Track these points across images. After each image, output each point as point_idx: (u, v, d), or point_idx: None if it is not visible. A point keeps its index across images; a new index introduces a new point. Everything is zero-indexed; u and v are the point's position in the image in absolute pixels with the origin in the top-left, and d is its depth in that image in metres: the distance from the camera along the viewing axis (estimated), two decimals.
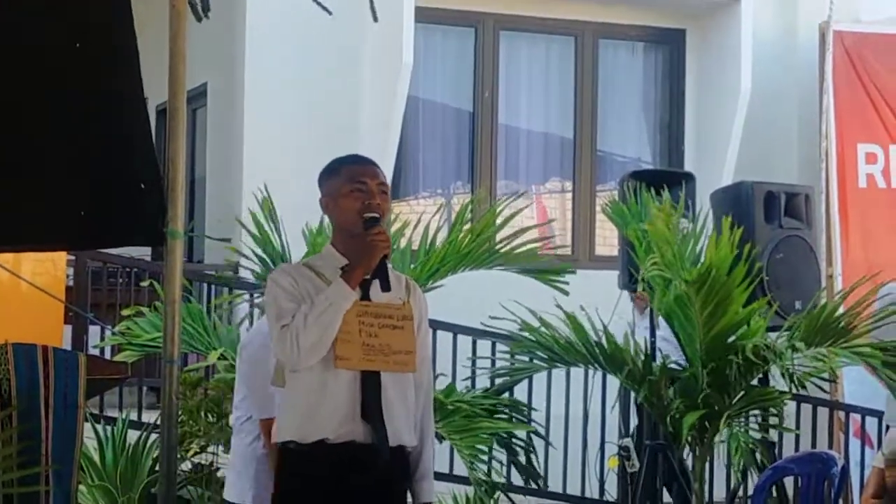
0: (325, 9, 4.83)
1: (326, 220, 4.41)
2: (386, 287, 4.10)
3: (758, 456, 6.85)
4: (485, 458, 6.43)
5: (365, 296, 4.10)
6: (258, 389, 4.83)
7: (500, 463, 6.63)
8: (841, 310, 6.64)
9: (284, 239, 6.50)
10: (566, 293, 6.56)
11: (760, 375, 6.68)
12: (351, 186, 4.12)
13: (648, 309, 7.87)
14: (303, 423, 4.06)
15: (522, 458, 6.67)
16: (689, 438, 6.42)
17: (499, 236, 6.73)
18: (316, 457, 4.03)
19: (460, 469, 7.65)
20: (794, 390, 6.59)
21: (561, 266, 6.62)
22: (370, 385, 4.05)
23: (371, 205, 4.09)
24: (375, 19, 5.07)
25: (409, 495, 4.28)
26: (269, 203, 6.51)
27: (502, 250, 6.65)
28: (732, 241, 6.33)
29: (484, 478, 6.34)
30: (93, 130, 4.76)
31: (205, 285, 9.02)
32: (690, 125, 11.24)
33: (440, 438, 6.62)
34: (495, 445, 6.57)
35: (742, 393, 6.45)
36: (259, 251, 6.50)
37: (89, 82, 4.75)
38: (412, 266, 6.49)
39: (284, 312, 4.05)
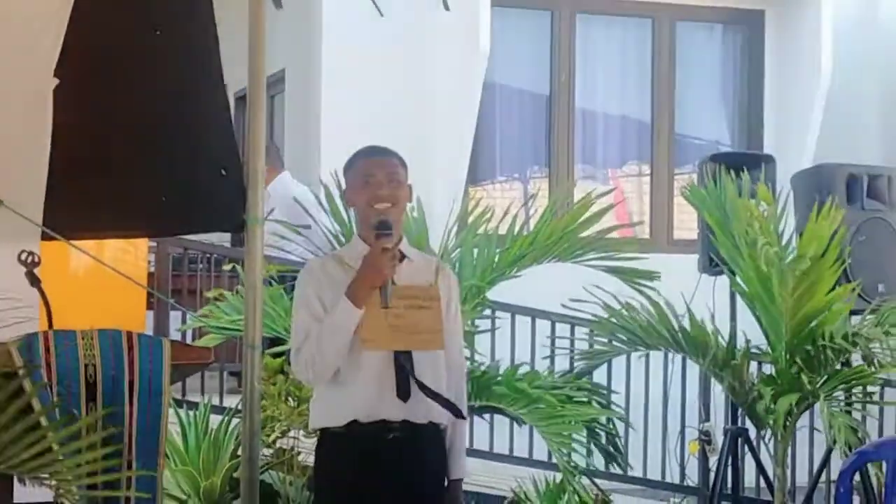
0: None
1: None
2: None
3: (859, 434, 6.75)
4: (572, 442, 6.39)
5: None
6: None
7: (586, 447, 6.61)
8: None
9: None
10: (655, 294, 6.53)
11: (843, 360, 6.60)
12: (362, 180, 4.23)
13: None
14: (334, 408, 4.15)
15: (604, 441, 6.63)
16: (771, 422, 6.35)
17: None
18: (349, 436, 4.12)
19: (539, 453, 7.65)
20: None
21: (648, 272, 6.57)
22: (403, 364, 4.12)
23: (379, 195, 4.17)
24: (447, 7, 5.07)
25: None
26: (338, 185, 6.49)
27: (586, 244, 6.60)
28: (831, 222, 6.28)
29: (571, 464, 6.30)
30: (173, 118, 4.79)
31: None
32: (770, 107, 11.11)
33: (520, 422, 6.61)
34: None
35: (825, 377, 6.38)
36: (340, 235, 6.51)
37: (170, 69, 4.79)
38: (496, 252, 6.48)
39: (299, 330, 4.16)
